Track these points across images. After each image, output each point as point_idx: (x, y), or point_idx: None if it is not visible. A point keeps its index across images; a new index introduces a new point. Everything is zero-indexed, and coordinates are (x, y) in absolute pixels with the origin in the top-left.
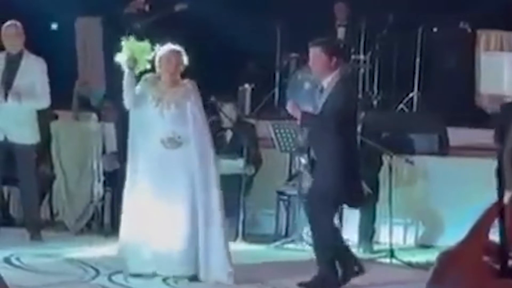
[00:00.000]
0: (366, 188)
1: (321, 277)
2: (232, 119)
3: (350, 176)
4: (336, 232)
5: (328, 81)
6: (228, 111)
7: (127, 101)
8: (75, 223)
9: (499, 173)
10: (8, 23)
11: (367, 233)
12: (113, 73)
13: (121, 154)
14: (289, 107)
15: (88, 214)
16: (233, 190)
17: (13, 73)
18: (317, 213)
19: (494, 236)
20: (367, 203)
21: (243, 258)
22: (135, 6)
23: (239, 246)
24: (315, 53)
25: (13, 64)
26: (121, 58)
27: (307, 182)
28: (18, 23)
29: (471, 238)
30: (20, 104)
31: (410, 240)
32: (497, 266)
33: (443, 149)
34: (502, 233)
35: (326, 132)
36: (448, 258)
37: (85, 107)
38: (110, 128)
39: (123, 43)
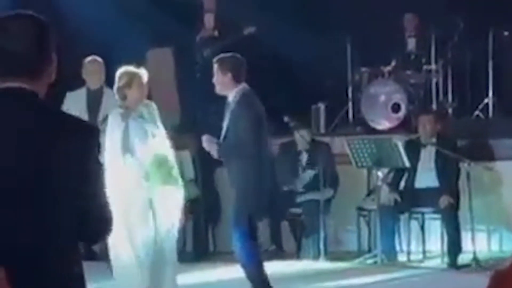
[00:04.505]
0: (448, 198)
1: None
2: (307, 140)
3: (259, 192)
4: (251, 250)
5: (231, 98)
6: (302, 132)
7: None
8: None
9: None
10: (90, 58)
11: (454, 244)
12: (189, 101)
13: (199, 181)
14: (205, 142)
15: None
16: (313, 210)
17: (96, 110)
18: (239, 234)
19: None
20: (449, 213)
21: (327, 277)
22: (204, 33)
23: (322, 265)
24: (215, 70)
25: (94, 100)
26: None
27: (386, 196)
28: (99, 59)
29: None
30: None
31: (495, 247)
32: None
33: None
34: None
35: (237, 156)
36: (501, 277)
37: None
38: (186, 156)
39: None
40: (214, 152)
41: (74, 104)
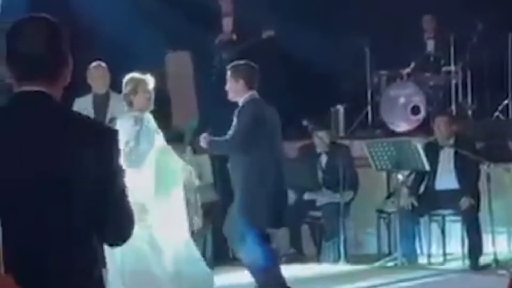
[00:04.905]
0: (469, 200)
1: None
2: (325, 142)
3: (265, 195)
4: (265, 254)
5: (241, 104)
6: (321, 135)
7: None
8: None
9: None
10: (94, 64)
11: (475, 246)
12: (206, 105)
13: (219, 185)
14: (201, 140)
15: None
16: (333, 213)
17: (102, 115)
18: (243, 236)
19: None
20: (470, 215)
21: (347, 280)
22: (223, 37)
23: (342, 268)
24: (228, 77)
25: (101, 105)
26: None
27: (405, 199)
28: (104, 64)
29: None
30: None
31: None
32: None
33: None
34: None
35: (234, 155)
36: None
37: (180, 140)
38: (205, 160)
39: None
40: (205, 145)
41: (82, 110)
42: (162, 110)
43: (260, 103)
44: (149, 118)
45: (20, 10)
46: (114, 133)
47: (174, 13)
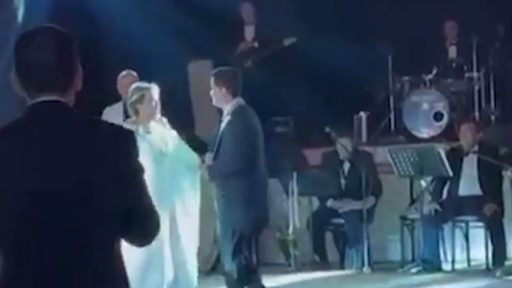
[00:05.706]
0: (493, 206)
1: None
2: (348, 149)
3: (250, 204)
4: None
5: (226, 112)
6: (344, 142)
7: None
8: (201, 264)
9: None
10: (125, 72)
11: (499, 252)
12: None
13: None
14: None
15: (213, 255)
16: (356, 220)
17: None
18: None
19: None
20: (494, 221)
21: (371, 287)
22: (245, 45)
23: (366, 274)
24: (211, 83)
25: None
26: None
27: (429, 205)
28: (134, 72)
29: None
30: None
31: None
32: None
33: None
34: None
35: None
36: None
37: (202, 149)
38: None
39: None
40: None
41: (112, 118)
42: (185, 119)
43: (248, 112)
44: (154, 126)
45: (41, 23)
46: (131, 134)
47: (196, 22)
